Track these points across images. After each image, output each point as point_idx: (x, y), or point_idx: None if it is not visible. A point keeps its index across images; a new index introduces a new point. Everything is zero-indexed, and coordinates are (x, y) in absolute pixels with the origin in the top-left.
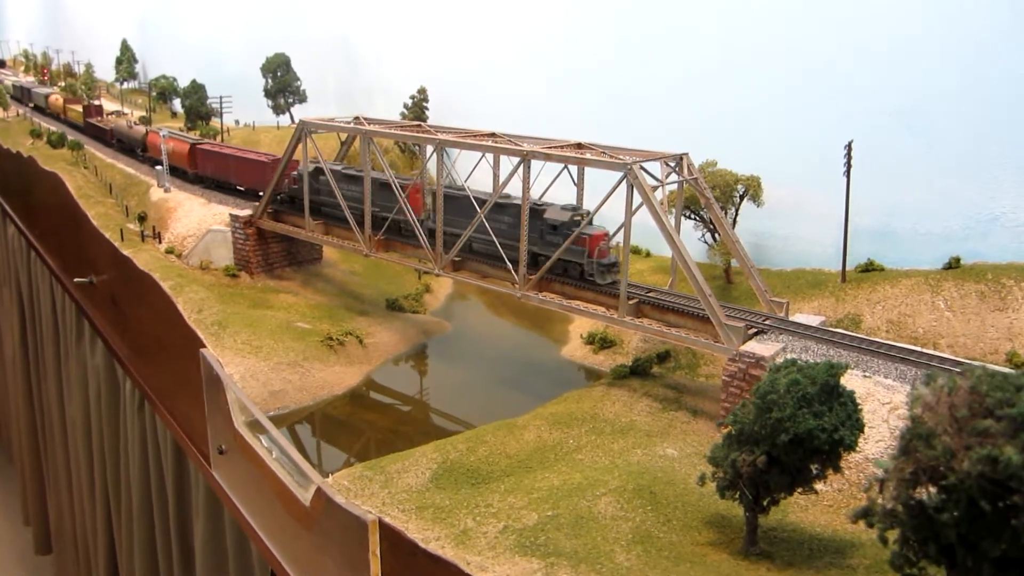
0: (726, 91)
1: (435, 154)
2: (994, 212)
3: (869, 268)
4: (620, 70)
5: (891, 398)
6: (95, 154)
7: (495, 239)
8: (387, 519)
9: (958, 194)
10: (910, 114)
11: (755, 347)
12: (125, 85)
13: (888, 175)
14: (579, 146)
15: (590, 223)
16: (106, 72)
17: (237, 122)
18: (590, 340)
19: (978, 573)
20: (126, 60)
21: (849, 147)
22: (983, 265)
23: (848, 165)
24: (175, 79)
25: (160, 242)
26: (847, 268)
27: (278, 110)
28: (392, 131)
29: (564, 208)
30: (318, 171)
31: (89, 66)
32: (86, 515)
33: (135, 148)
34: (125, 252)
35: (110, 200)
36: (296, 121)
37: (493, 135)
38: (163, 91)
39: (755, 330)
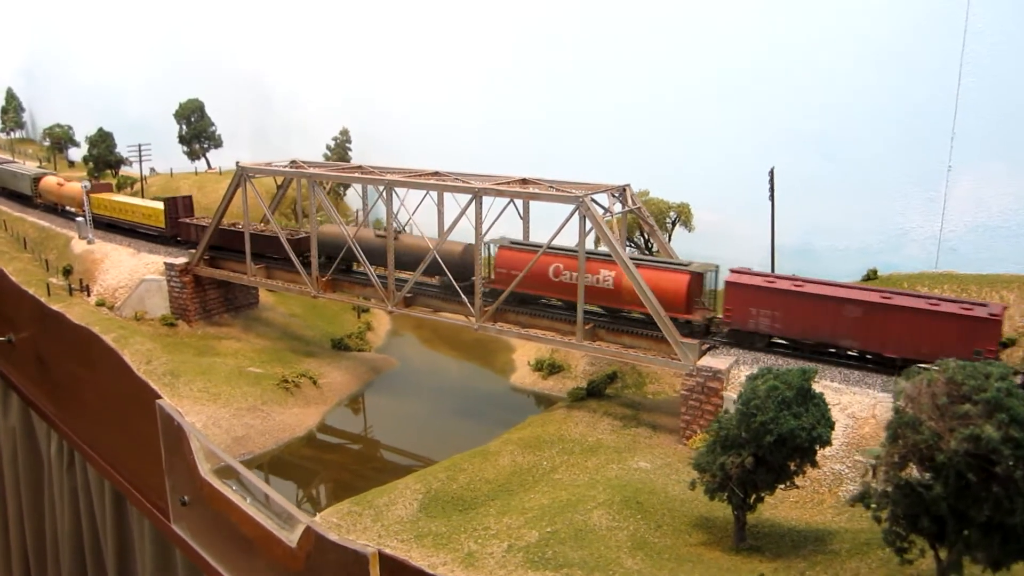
0: (652, 123)
1: (385, 194)
2: (904, 227)
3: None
4: (547, 105)
5: (839, 399)
6: (0, 208)
7: None
8: (387, 550)
9: (871, 212)
10: (824, 140)
11: (711, 361)
12: (13, 135)
13: (806, 197)
14: (524, 181)
15: None
16: None
17: (153, 170)
18: (538, 367)
19: (967, 539)
20: (12, 109)
21: (772, 173)
22: (898, 276)
23: (772, 189)
24: (70, 127)
25: (89, 295)
26: None
27: (193, 155)
28: (337, 173)
29: None
30: None
31: None
32: None
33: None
34: (55, 307)
35: (26, 254)
36: (212, 166)
37: (436, 174)
38: (58, 140)
39: (707, 346)
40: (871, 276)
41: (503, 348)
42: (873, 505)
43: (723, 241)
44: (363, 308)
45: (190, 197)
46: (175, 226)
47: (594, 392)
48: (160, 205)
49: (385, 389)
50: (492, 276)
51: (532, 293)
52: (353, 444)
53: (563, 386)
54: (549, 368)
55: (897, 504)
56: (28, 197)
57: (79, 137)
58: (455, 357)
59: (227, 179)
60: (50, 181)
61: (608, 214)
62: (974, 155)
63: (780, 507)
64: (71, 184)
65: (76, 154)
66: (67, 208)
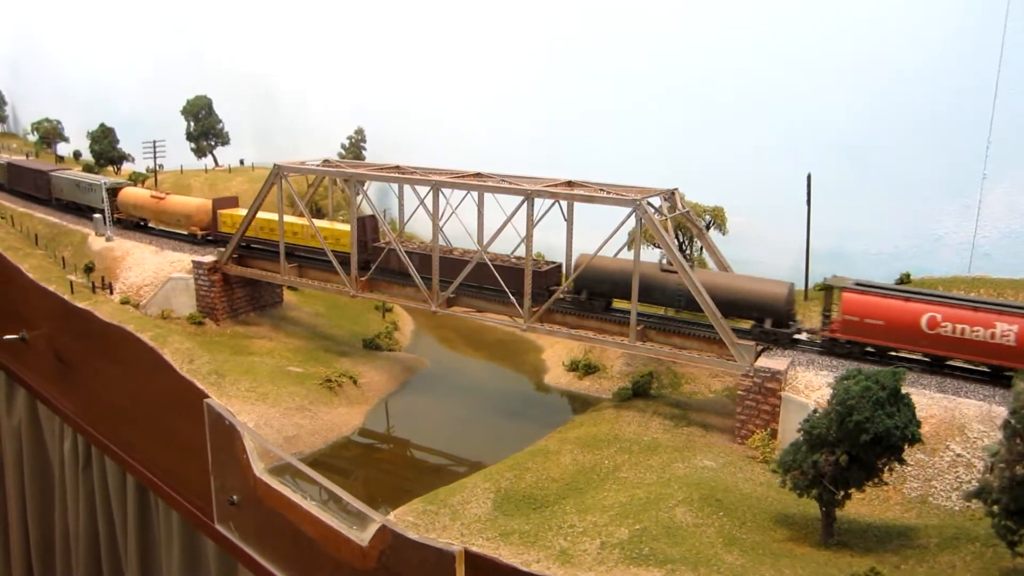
0: (679, 126)
1: (432, 196)
2: (938, 232)
3: (827, 287)
4: (568, 106)
5: None
6: (4, 204)
7: None
8: (475, 548)
9: (905, 218)
10: (858, 147)
11: (768, 362)
12: None
13: (839, 202)
14: (570, 183)
15: None
16: None
17: (161, 166)
18: (573, 367)
19: None
20: None
21: (808, 179)
22: (931, 279)
23: (808, 194)
24: (59, 122)
25: (111, 293)
26: (808, 287)
27: (199, 152)
28: (377, 173)
29: None
30: None
31: None
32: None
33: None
34: (82, 305)
35: (39, 251)
36: (219, 163)
37: (479, 175)
38: (47, 134)
39: (762, 347)
40: (904, 280)
41: (530, 348)
42: (990, 500)
43: (753, 245)
44: (387, 307)
45: (374, 218)
46: (364, 250)
47: (640, 392)
48: (344, 227)
49: (422, 389)
50: (831, 323)
51: (892, 345)
52: (399, 443)
53: (600, 386)
54: (585, 368)
55: (1017, 499)
56: (99, 212)
57: (68, 132)
58: (481, 357)
59: (237, 177)
60: (137, 193)
61: (661, 214)
62: (1009, 163)
63: (849, 505)
64: (175, 198)
65: (64, 149)
66: (166, 227)
